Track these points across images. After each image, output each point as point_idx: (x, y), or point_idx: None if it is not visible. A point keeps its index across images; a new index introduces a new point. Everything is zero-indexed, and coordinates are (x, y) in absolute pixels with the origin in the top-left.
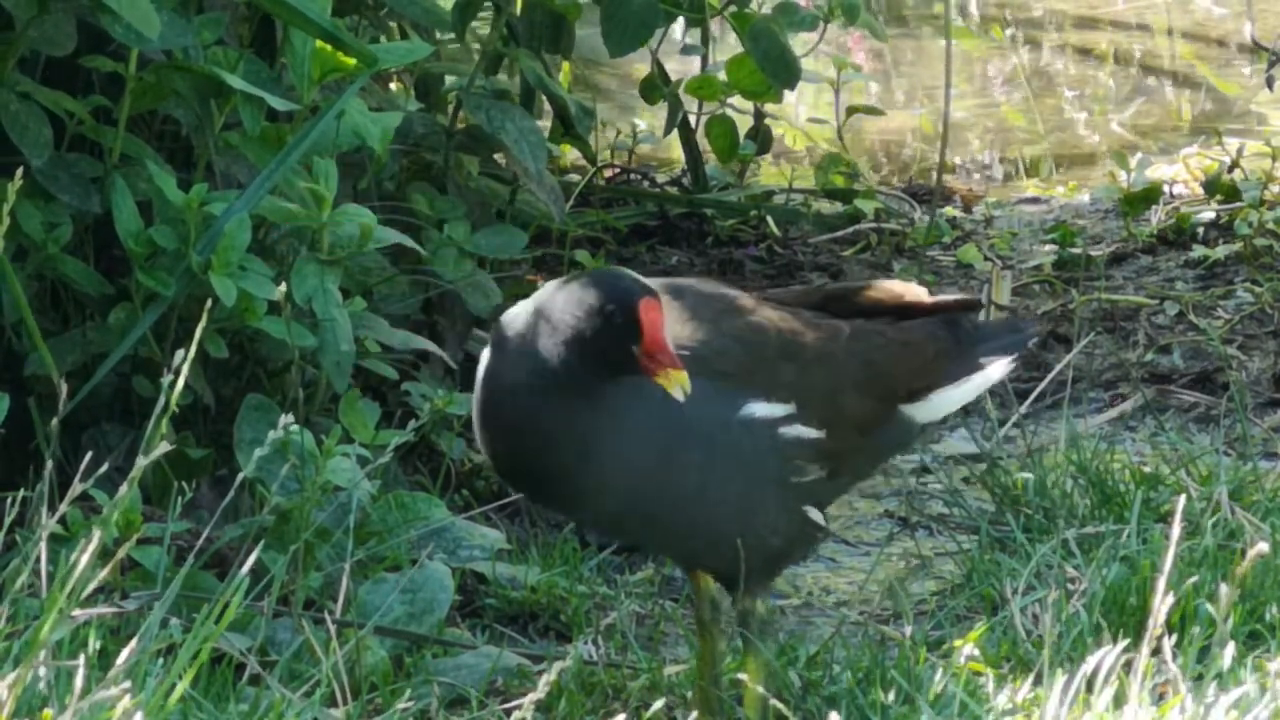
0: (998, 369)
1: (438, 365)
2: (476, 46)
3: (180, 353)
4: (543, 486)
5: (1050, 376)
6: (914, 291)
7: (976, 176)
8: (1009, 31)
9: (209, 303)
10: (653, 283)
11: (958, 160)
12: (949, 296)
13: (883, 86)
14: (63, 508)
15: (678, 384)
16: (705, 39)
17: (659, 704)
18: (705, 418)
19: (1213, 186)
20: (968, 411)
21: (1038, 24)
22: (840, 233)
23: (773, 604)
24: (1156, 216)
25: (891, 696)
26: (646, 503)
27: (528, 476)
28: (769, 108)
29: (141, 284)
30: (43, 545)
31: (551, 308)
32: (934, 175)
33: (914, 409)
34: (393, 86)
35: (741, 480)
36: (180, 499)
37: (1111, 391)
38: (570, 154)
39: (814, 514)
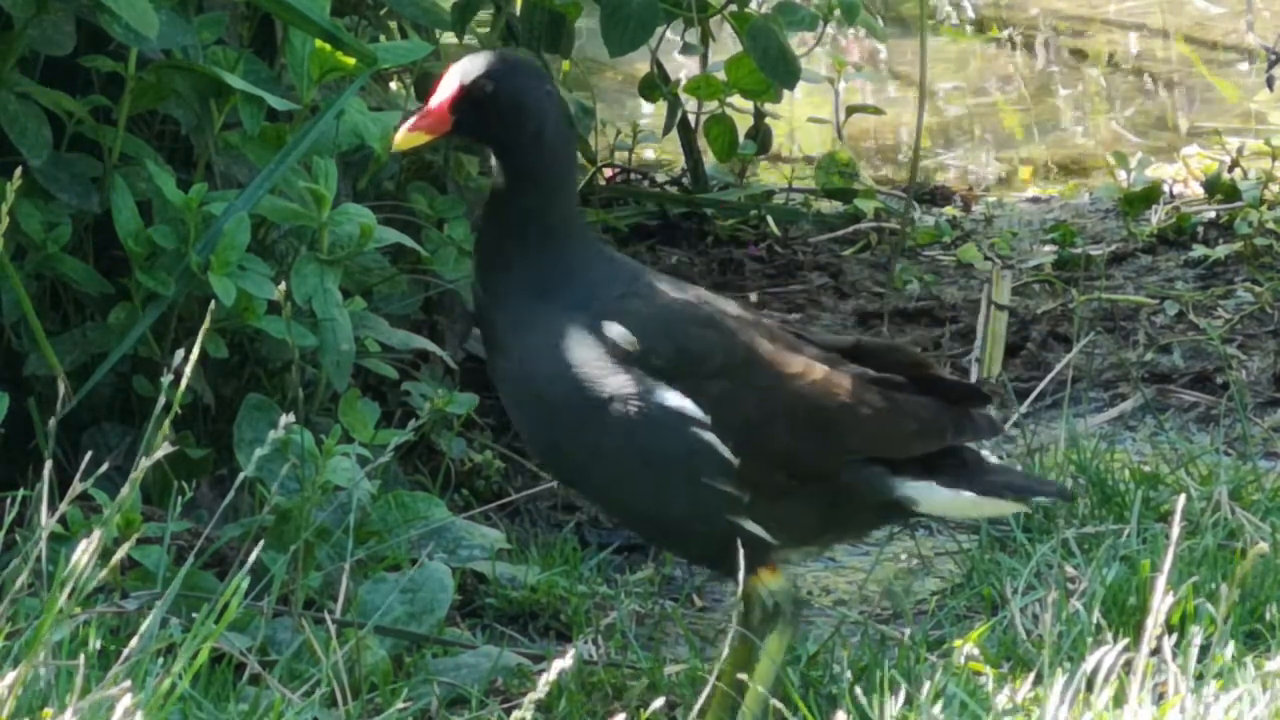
0: (994, 506)
1: (438, 365)
2: (474, 43)
3: (180, 353)
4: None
5: (1050, 376)
6: (933, 367)
7: (974, 176)
8: (1006, 31)
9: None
10: (679, 286)
11: (955, 159)
12: (956, 380)
13: (880, 87)
14: (63, 508)
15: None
16: (705, 39)
17: (659, 703)
18: (620, 393)
19: (1213, 186)
20: None
21: (1034, 24)
22: (840, 232)
23: (793, 594)
24: (1156, 216)
25: (891, 696)
26: (565, 455)
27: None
28: (768, 106)
29: (141, 284)
30: (43, 545)
31: None
32: (932, 175)
33: (887, 478)
34: (393, 86)
35: (646, 462)
36: (180, 499)
37: (1111, 391)
38: None
39: (750, 525)
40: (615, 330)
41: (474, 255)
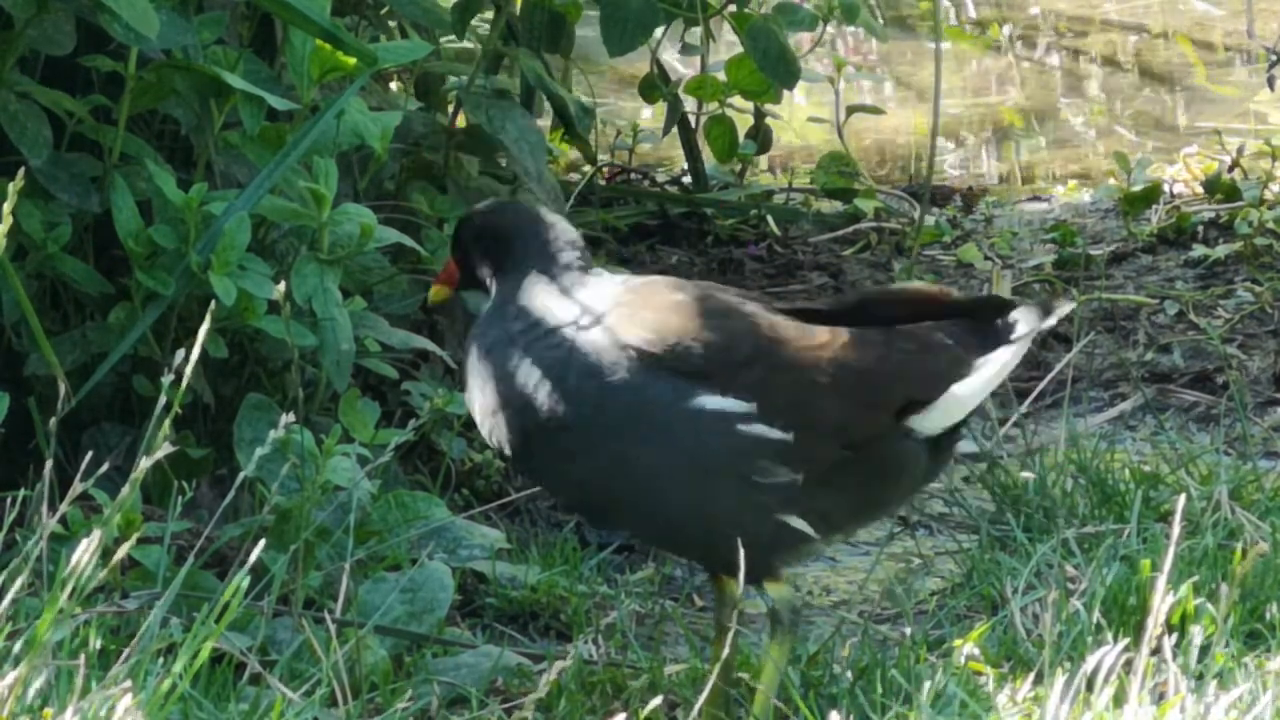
0: (1003, 355)
1: (438, 365)
2: (474, 43)
3: (180, 353)
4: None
5: (1050, 376)
6: (946, 293)
7: (974, 176)
8: (1005, 28)
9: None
10: (678, 284)
11: (955, 159)
12: (977, 295)
13: (879, 87)
14: (63, 508)
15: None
16: (705, 39)
17: (657, 700)
18: (658, 406)
19: (1213, 186)
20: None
21: (1034, 24)
22: (840, 232)
23: (794, 603)
24: (1156, 216)
25: (892, 696)
26: (604, 485)
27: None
28: (769, 106)
29: (141, 283)
30: (43, 545)
31: None
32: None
33: (920, 420)
34: (393, 86)
35: (692, 472)
36: (180, 499)
37: (1111, 391)
38: (570, 154)
39: (795, 521)
40: (635, 336)
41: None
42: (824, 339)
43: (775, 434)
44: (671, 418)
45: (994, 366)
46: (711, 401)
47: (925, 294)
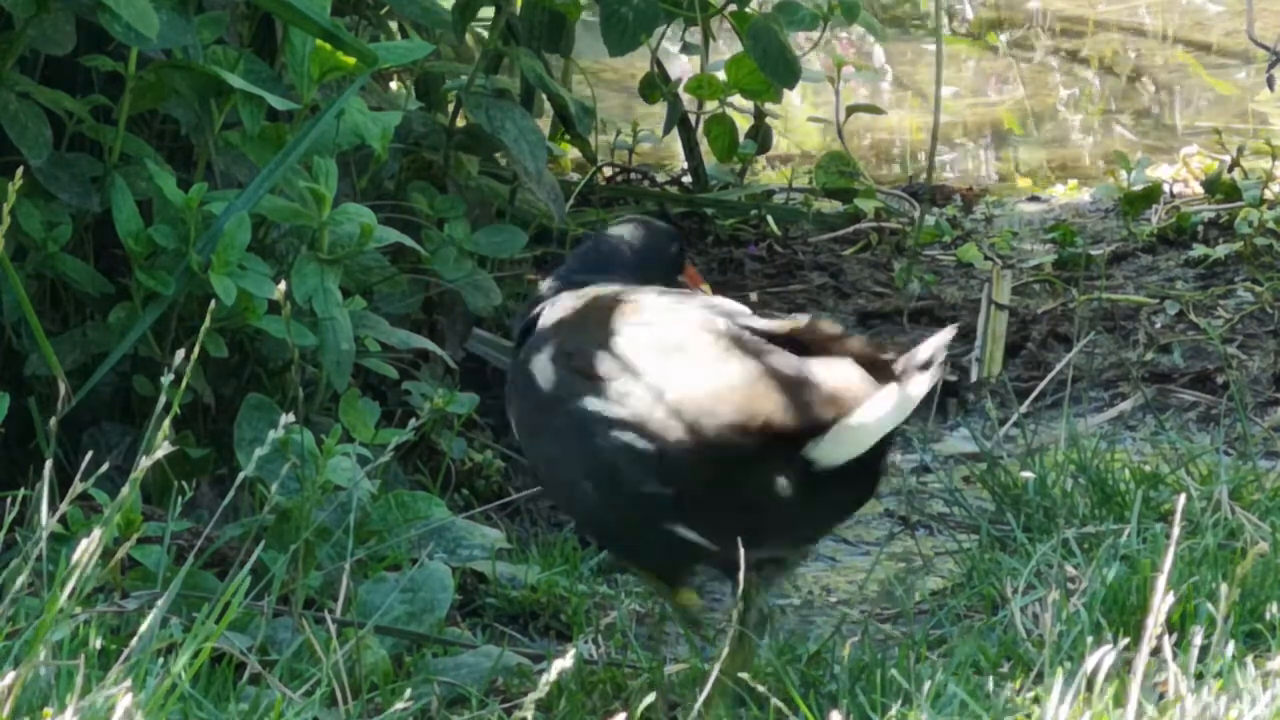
0: (892, 397)
1: (438, 364)
2: (474, 43)
3: (180, 352)
4: None
5: (1050, 376)
6: (872, 353)
7: (973, 176)
8: (1003, 35)
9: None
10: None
11: (955, 159)
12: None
13: (878, 88)
14: (63, 507)
15: None
16: (705, 38)
17: (652, 697)
18: (556, 403)
19: (1213, 186)
20: (968, 410)
21: (1033, 24)
22: (840, 232)
23: (769, 605)
24: (1156, 216)
25: (892, 696)
26: (542, 481)
27: None
28: (769, 106)
29: (141, 283)
30: (43, 545)
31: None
32: (933, 175)
33: (815, 449)
34: (393, 86)
35: (585, 472)
36: (180, 498)
37: (1111, 391)
38: (570, 153)
39: (684, 532)
40: (551, 330)
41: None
42: (724, 350)
43: (641, 444)
44: (566, 414)
45: (885, 406)
46: (593, 403)
47: (860, 351)
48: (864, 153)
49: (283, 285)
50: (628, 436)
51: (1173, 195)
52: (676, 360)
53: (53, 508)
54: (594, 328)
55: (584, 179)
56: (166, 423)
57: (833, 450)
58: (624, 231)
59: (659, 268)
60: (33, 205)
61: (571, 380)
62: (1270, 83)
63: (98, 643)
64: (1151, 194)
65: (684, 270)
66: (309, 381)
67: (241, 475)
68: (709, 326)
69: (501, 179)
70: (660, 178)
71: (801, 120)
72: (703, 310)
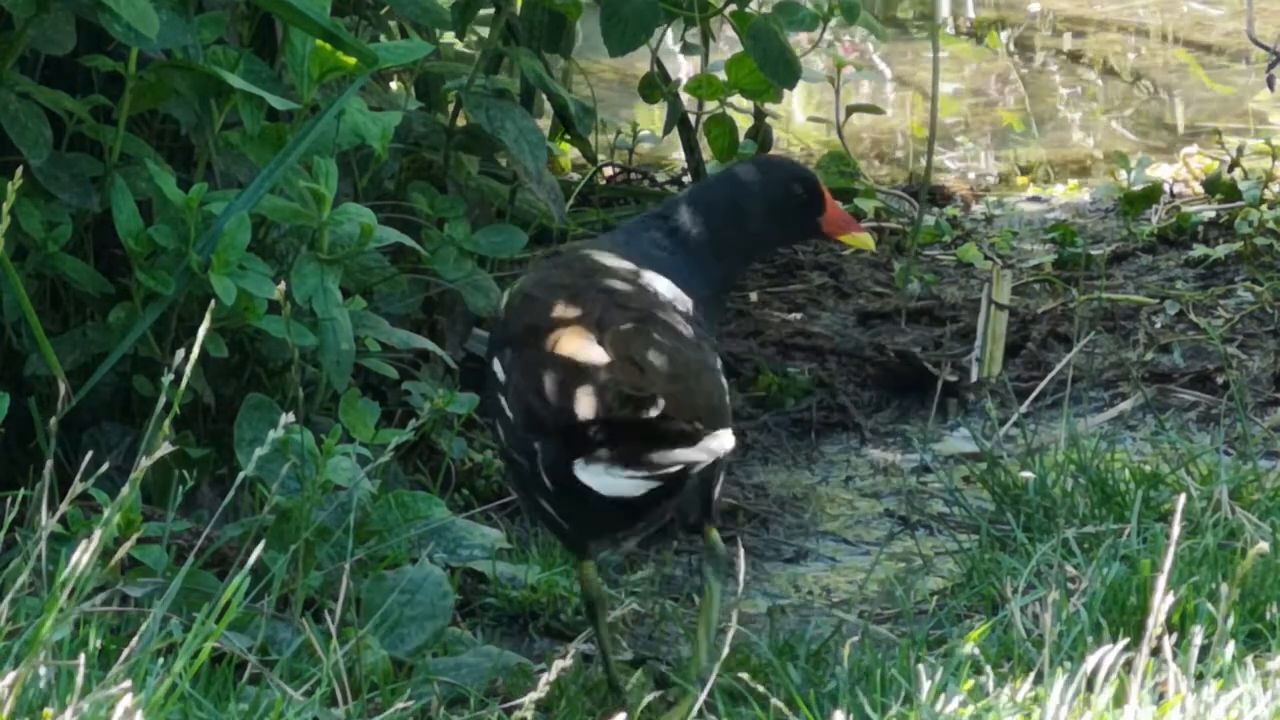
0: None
1: (438, 364)
2: (474, 40)
3: (180, 353)
4: None
5: (1051, 376)
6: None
7: (974, 176)
8: (1004, 35)
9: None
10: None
11: (955, 159)
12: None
13: (878, 88)
14: (63, 507)
15: (862, 242)
16: (705, 39)
17: (653, 696)
18: (488, 359)
19: (1213, 186)
20: (968, 410)
21: (1033, 25)
22: None
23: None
24: (1156, 216)
25: (892, 696)
26: None
27: None
28: (769, 106)
29: (141, 283)
30: (43, 545)
31: (718, 198)
32: (929, 175)
33: (581, 469)
34: (393, 86)
35: (493, 428)
36: (181, 488)
37: (1111, 391)
38: (570, 153)
39: (546, 505)
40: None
41: None
42: (555, 336)
43: (510, 416)
44: (487, 372)
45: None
46: (496, 364)
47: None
48: (864, 153)
49: (283, 285)
50: (502, 402)
51: (1173, 195)
52: (537, 338)
53: (53, 508)
54: (522, 293)
55: (584, 179)
56: (166, 423)
57: (595, 477)
58: (739, 172)
59: (783, 216)
60: (33, 205)
61: (498, 342)
62: (1270, 83)
63: (98, 643)
64: (1152, 194)
65: (824, 213)
66: (309, 381)
67: (241, 475)
68: (586, 313)
69: (501, 179)
70: (660, 178)
71: (801, 120)
72: (605, 295)
